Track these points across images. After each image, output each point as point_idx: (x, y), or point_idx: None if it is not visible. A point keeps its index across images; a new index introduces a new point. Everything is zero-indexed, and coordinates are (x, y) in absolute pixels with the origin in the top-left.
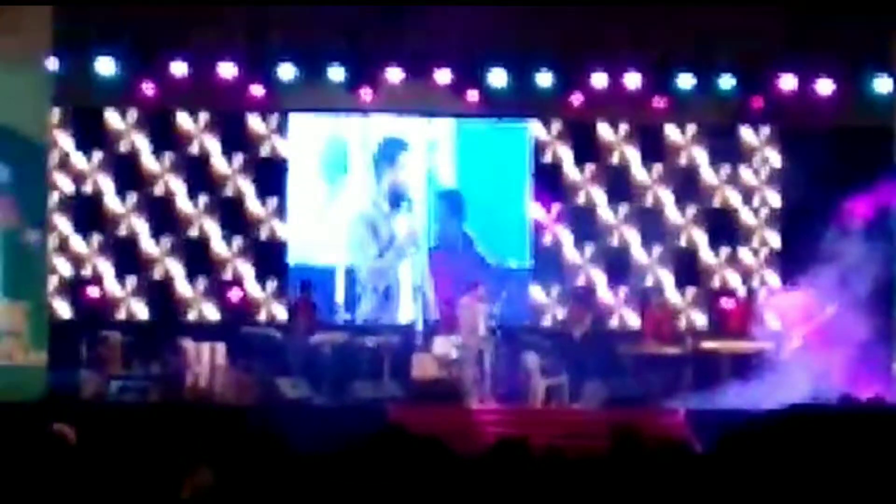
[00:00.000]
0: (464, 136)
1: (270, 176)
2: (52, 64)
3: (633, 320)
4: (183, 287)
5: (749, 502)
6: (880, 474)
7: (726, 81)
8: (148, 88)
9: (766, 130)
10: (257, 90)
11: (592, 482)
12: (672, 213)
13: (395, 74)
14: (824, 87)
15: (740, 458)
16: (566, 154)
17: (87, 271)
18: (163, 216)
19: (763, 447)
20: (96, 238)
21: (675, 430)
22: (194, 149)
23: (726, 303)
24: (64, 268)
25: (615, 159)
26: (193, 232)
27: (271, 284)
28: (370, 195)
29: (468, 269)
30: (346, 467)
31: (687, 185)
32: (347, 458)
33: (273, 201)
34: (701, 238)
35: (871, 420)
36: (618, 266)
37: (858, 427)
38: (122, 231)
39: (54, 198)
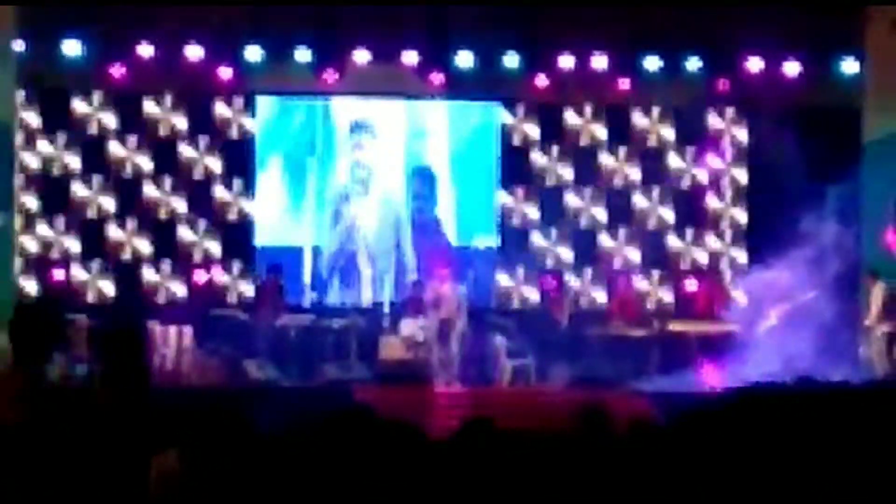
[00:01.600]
0: (431, 118)
1: (237, 158)
2: (18, 45)
3: (601, 301)
4: (149, 269)
5: (704, 481)
6: (838, 455)
7: (692, 63)
8: (115, 71)
9: (732, 112)
10: (224, 72)
11: (559, 462)
12: (639, 195)
13: (361, 56)
14: (791, 68)
15: (694, 437)
16: (533, 136)
17: (53, 253)
18: (129, 198)
19: (716, 426)
20: (62, 220)
21: (641, 411)
22: (161, 131)
23: (693, 284)
24: (30, 249)
25: (582, 141)
26: (160, 214)
27: (238, 266)
28: (335, 177)
29: (436, 250)
30: (311, 448)
31: (654, 167)
32: (313, 439)
33: (240, 183)
34: (668, 219)
35: (829, 401)
36: (584, 247)
37: (814, 408)
38: (89, 213)
39: (20, 179)
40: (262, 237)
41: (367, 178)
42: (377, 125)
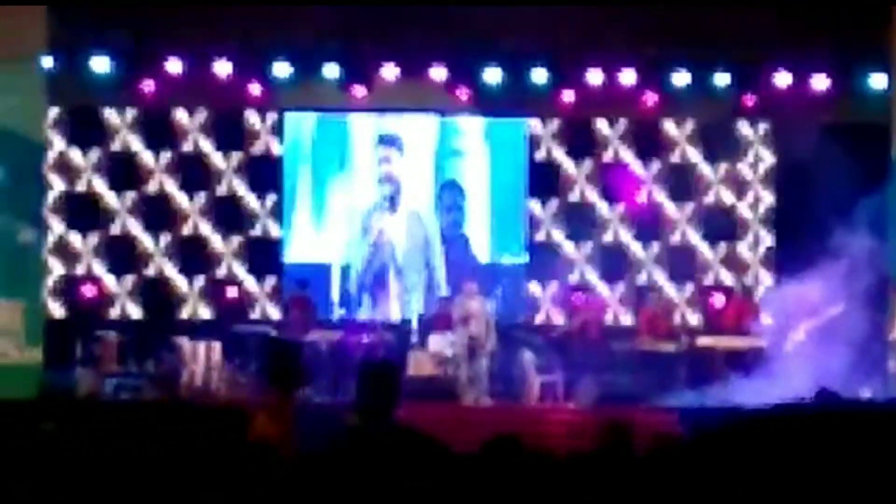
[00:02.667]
0: (460, 133)
1: (266, 174)
2: (48, 63)
3: (629, 317)
4: (178, 285)
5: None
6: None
7: (721, 78)
8: (143, 87)
9: (761, 127)
10: (253, 88)
11: (583, 480)
12: (668, 210)
13: (389, 72)
14: (819, 83)
15: (721, 455)
16: (561, 151)
17: (82, 270)
18: (158, 214)
19: (742, 444)
20: (92, 236)
21: (669, 427)
22: (189, 147)
23: (721, 299)
24: (59, 266)
25: (610, 156)
26: (189, 230)
27: (267, 282)
28: (363, 194)
29: (465, 265)
30: (342, 464)
31: (682, 182)
32: (344, 455)
33: (268, 199)
34: (696, 235)
35: (854, 420)
36: (613, 263)
37: (840, 428)
38: (118, 229)
39: (50, 196)
40: (291, 254)
41: (394, 194)
42: (405, 140)
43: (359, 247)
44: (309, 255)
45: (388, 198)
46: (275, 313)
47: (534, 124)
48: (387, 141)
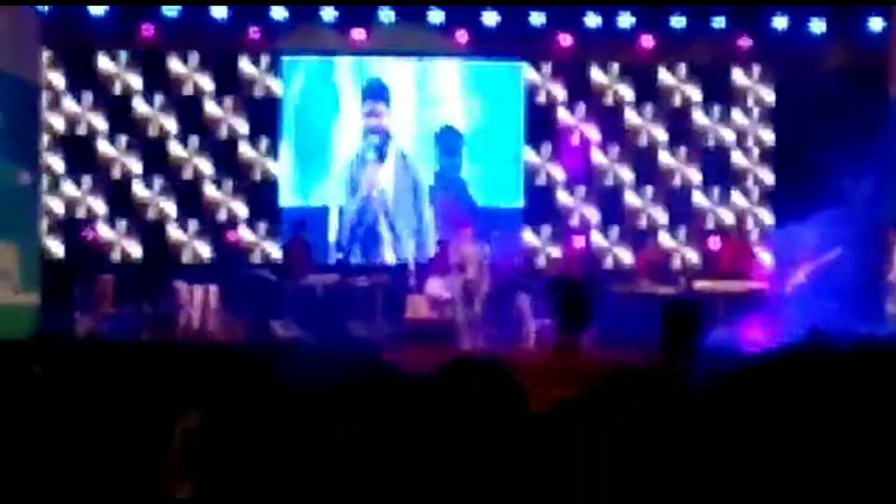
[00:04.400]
0: (457, 76)
1: (263, 117)
2: (43, 5)
3: (626, 260)
4: (175, 228)
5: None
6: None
7: (718, 22)
8: (140, 30)
9: (758, 69)
10: (250, 31)
11: (586, 423)
12: (665, 154)
13: (387, 16)
14: (817, 26)
15: (732, 398)
16: (559, 95)
17: (79, 212)
18: (155, 158)
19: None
20: (88, 179)
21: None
22: (186, 90)
23: (719, 242)
24: (56, 209)
25: (608, 100)
26: (186, 173)
27: (264, 226)
28: (355, 140)
29: (460, 210)
30: (337, 404)
31: (679, 125)
32: (339, 394)
33: (265, 142)
34: (694, 178)
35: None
36: (610, 206)
37: (835, 368)
38: (115, 172)
39: (46, 139)
40: (288, 198)
41: (382, 145)
42: (392, 88)
43: (349, 198)
44: (306, 200)
45: (377, 148)
46: (273, 257)
47: (530, 70)
48: (373, 94)
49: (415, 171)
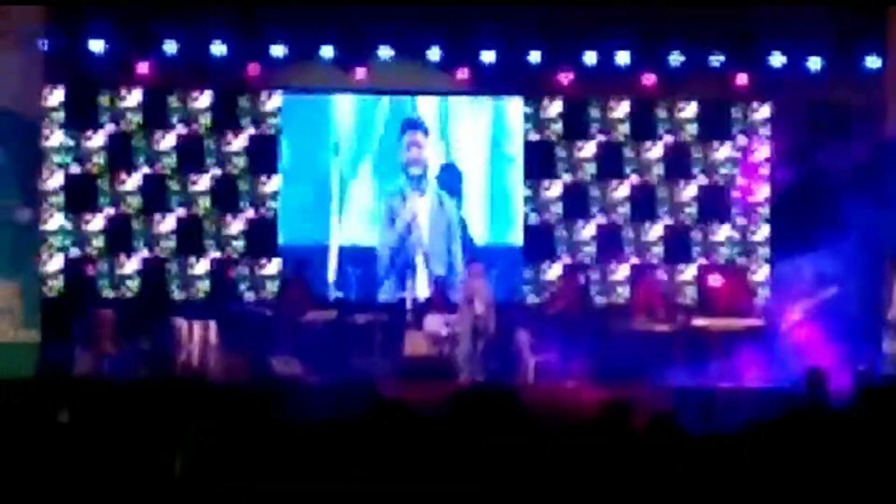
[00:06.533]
0: (454, 114)
1: (263, 154)
2: (45, 44)
3: (624, 297)
4: (175, 265)
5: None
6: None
7: (716, 59)
8: (141, 68)
9: (756, 107)
10: (250, 69)
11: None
12: (663, 190)
13: (385, 53)
14: (814, 64)
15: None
16: (557, 131)
17: (79, 250)
18: (155, 194)
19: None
20: (88, 216)
21: (663, 407)
22: (186, 127)
23: (718, 280)
24: (56, 244)
25: (606, 136)
26: (185, 210)
27: (264, 263)
28: (367, 175)
29: (464, 249)
30: (340, 440)
31: (677, 162)
32: (342, 431)
33: (265, 180)
34: (692, 214)
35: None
36: (608, 243)
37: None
38: (115, 209)
39: (46, 175)
40: (288, 235)
41: (422, 176)
42: (427, 123)
43: (385, 228)
44: (305, 237)
45: (417, 180)
46: (271, 293)
47: (529, 107)
48: (413, 124)
49: (448, 210)
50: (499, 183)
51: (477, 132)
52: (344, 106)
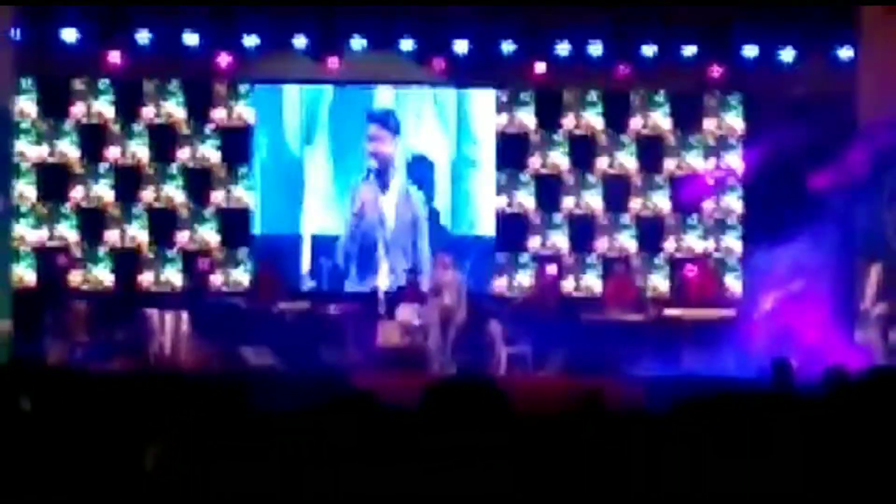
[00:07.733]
0: (427, 104)
1: (235, 145)
2: (17, 33)
3: (596, 287)
4: (147, 255)
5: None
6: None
7: (689, 50)
8: (113, 57)
9: (728, 97)
10: (223, 59)
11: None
12: (635, 180)
13: (359, 43)
14: (787, 55)
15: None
16: (530, 121)
17: (51, 239)
18: (127, 185)
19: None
20: (60, 207)
21: (635, 397)
22: (160, 117)
23: (689, 270)
24: (28, 236)
25: (579, 127)
26: (158, 201)
27: (236, 253)
28: (347, 167)
29: (435, 239)
30: (310, 431)
31: (650, 153)
32: (312, 422)
33: (238, 170)
34: (664, 205)
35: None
36: (581, 233)
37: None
38: (87, 200)
39: (18, 165)
40: (261, 225)
41: (382, 171)
42: (399, 115)
43: (347, 222)
44: (278, 228)
45: (377, 173)
46: (244, 284)
47: (502, 97)
48: (376, 118)
49: (415, 205)
50: (466, 174)
51: (441, 123)
52: (313, 96)
